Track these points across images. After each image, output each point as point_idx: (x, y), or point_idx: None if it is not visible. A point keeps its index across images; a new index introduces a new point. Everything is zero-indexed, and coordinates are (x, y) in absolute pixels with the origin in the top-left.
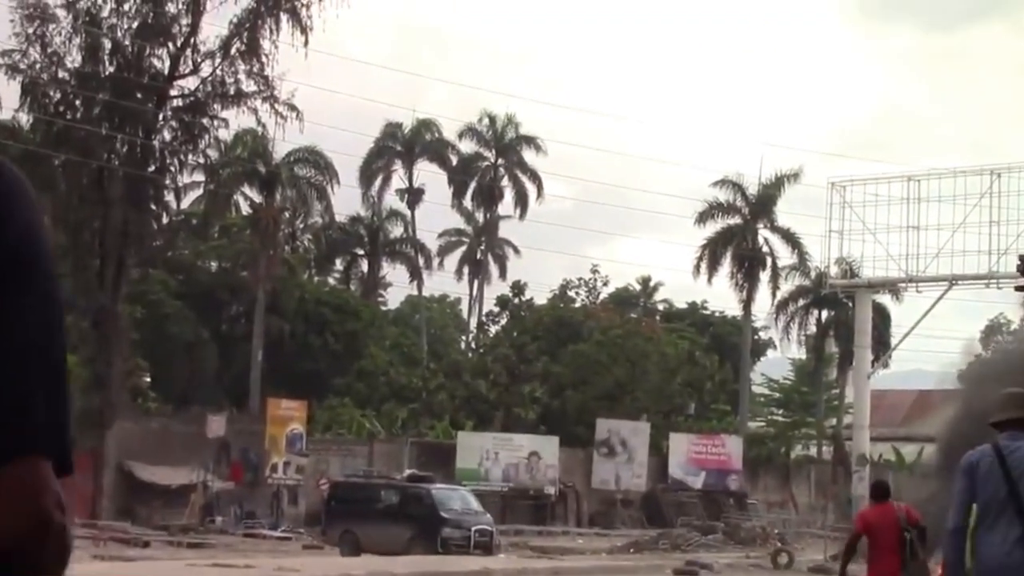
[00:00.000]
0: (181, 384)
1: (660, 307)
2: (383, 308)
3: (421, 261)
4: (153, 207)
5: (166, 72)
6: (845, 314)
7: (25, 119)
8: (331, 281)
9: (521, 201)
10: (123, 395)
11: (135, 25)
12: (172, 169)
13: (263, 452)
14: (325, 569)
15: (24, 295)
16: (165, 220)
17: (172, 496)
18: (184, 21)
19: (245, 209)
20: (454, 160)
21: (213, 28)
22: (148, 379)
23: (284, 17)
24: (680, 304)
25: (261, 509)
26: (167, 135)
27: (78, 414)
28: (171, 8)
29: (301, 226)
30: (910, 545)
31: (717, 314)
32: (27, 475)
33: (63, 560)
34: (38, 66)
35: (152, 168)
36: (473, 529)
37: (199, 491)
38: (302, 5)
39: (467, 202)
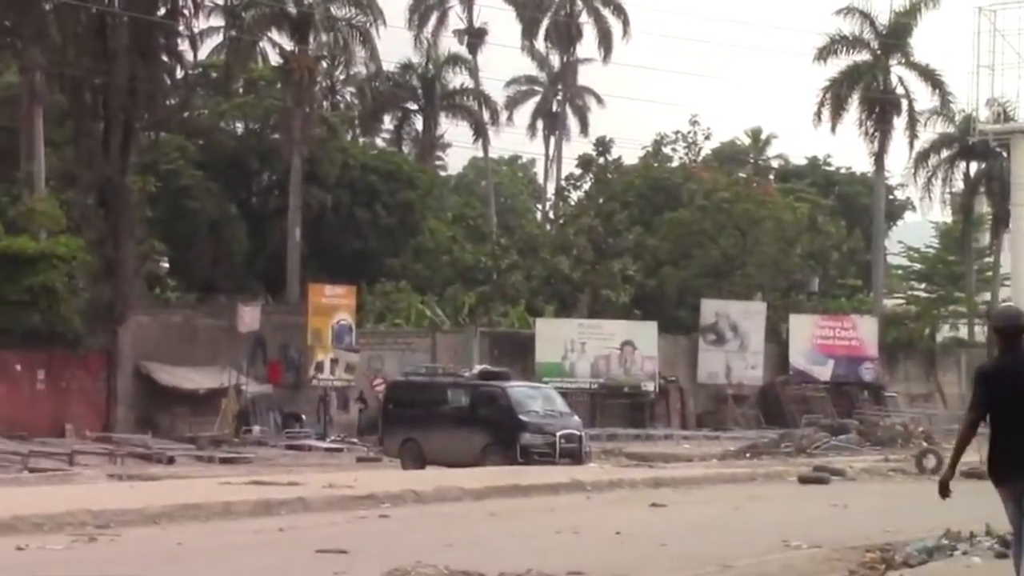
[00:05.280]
0: (205, 269)
1: (774, 164)
2: (442, 173)
3: (486, 116)
4: (164, 59)
5: None
6: (999, 166)
7: None
8: (380, 143)
9: (604, 41)
10: (138, 284)
11: None
12: (185, 13)
13: (305, 348)
14: (384, 485)
15: None
16: (179, 74)
17: (200, 403)
18: None
19: (274, 59)
20: None
21: None
22: (166, 264)
23: None
24: (798, 160)
25: (306, 416)
26: None
27: (86, 308)
28: None
29: (342, 77)
30: None
31: (843, 171)
32: None
33: None
34: None
35: (162, 12)
36: (558, 434)
37: (231, 396)
38: None
39: (539, 43)
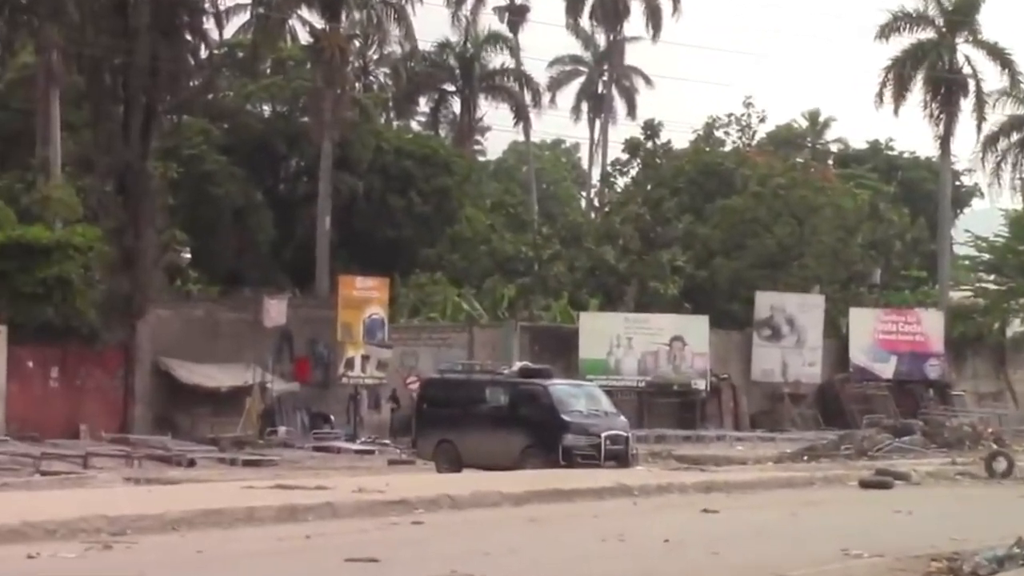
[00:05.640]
0: (229, 260)
1: (833, 148)
2: (481, 158)
3: (528, 98)
4: (188, 38)
5: None
6: None
7: None
8: (415, 126)
9: (653, 18)
10: (157, 276)
11: None
12: None
13: (335, 344)
14: (418, 489)
15: None
16: (203, 54)
17: (222, 402)
18: None
19: (304, 37)
20: None
21: None
22: (188, 255)
23: None
24: (859, 144)
25: (335, 416)
26: None
27: (102, 301)
28: None
29: (375, 57)
30: None
31: (906, 155)
32: None
33: None
34: None
35: None
36: (603, 436)
37: (256, 395)
38: None
39: (584, 21)
